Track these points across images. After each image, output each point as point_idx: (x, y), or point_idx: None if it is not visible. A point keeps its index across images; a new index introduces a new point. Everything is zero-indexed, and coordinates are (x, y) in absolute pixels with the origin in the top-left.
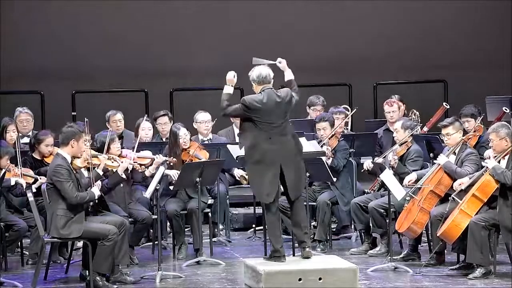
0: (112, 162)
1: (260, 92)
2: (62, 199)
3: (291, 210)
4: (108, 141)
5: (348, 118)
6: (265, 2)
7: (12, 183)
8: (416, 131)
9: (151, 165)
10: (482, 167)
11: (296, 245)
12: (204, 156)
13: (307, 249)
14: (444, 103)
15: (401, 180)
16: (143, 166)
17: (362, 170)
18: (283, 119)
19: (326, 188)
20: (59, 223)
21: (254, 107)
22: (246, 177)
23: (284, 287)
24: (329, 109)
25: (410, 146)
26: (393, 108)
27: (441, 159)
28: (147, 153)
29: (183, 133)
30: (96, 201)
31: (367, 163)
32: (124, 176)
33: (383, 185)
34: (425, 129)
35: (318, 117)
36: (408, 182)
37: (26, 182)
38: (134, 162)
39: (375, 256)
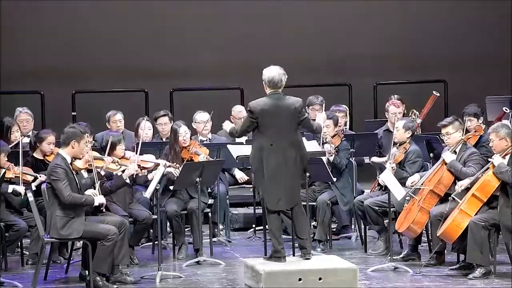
0: (116, 166)
1: (268, 96)
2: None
3: (292, 217)
4: (115, 142)
5: (346, 117)
6: (265, 2)
7: (10, 190)
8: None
9: (154, 169)
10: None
11: (296, 245)
12: (204, 152)
13: (307, 255)
14: (434, 92)
15: (402, 185)
16: (144, 171)
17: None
18: (289, 126)
19: (326, 188)
20: (58, 224)
21: (257, 110)
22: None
23: (284, 287)
24: (330, 108)
25: (408, 148)
26: (399, 110)
27: (447, 156)
28: (151, 157)
29: (184, 131)
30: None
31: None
32: (128, 181)
33: (382, 185)
34: (418, 120)
35: None
36: (411, 183)
37: (26, 181)
38: (138, 165)
39: (374, 255)
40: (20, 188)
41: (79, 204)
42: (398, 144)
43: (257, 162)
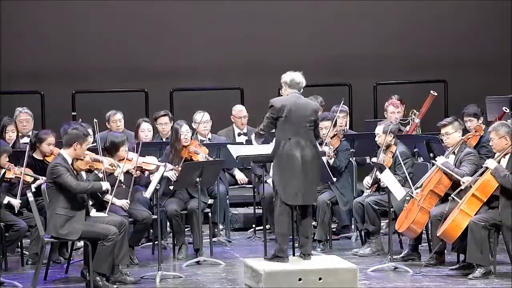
0: (113, 167)
1: (288, 95)
2: (62, 197)
3: (300, 217)
4: (118, 143)
5: (345, 117)
6: (265, 2)
7: (5, 202)
8: (403, 126)
9: (156, 171)
10: (482, 167)
11: (296, 245)
12: (203, 151)
13: (307, 257)
14: (431, 91)
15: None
16: (139, 171)
17: (366, 190)
18: (306, 123)
19: (326, 188)
20: (58, 222)
21: (278, 105)
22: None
23: (284, 287)
24: (331, 109)
25: (395, 151)
26: (398, 109)
27: (439, 159)
28: (153, 159)
29: (185, 130)
30: (103, 193)
31: (366, 180)
32: (120, 178)
33: (381, 186)
34: (417, 120)
35: (320, 116)
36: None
37: (26, 182)
38: (139, 167)
39: (365, 256)
40: (15, 202)
41: (87, 191)
42: (385, 148)
43: (276, 156)
